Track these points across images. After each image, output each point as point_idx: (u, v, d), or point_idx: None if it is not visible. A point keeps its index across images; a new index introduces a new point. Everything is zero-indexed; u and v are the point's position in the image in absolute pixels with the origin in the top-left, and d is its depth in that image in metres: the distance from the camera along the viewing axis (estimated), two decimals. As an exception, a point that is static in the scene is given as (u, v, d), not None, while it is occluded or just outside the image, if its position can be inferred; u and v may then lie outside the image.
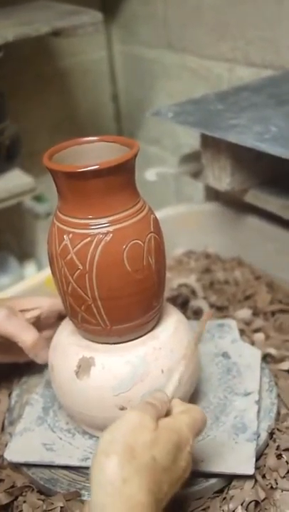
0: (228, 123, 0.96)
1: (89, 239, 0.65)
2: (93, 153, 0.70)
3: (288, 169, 0.95)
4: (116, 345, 0.72)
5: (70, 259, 0.66)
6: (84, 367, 0.71)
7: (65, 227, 0.66)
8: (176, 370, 0.67)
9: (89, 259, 0.65)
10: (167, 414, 0.61)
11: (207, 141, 1.02)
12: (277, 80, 1.13)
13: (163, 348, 0.72)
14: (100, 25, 1.28)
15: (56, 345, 0.75)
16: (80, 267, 0.66)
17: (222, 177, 1.02)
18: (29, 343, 0.78)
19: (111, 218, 0.66)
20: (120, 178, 0.65)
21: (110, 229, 0.65)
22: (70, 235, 0.65)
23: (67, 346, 0.74)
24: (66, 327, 0.77)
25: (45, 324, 0.84)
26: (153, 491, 0.52)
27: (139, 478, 0.52)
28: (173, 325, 0.75)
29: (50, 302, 0.84)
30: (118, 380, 0.69)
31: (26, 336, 0.78)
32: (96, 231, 0.65)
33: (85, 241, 0.65)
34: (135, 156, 0.66)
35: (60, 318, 0.83)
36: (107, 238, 0.65)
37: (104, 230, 0.65)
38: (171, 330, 0.74)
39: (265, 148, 0.86)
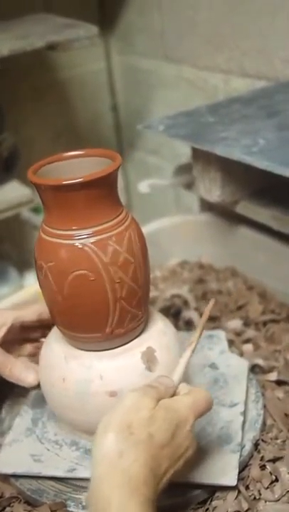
0: (217, 136, 0.97)
1: (129, 231, 0.70)
2: (78, 166, 0.71)
3: (277, 180, 0.96)
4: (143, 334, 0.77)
5: (123, 260, 0.68)
6: (150, 358, 0.73)
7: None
8: (183, 355, 0.69)
9: (134, 250, 0.70)
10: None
11: (198, 154, 1.03)
12: (270, 91, 1.14)
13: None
14: (95, 38, 1.29)
15: (108, 372, 0.73)
16: (133, 260, 0.69)
17: (212, 189, 1.04)
18: (7, 373, 0.79)
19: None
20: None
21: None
22: (114, 238, 0.68)
23: (121, 359, 0.74)
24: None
25: (10, 340, 0.81)
26: (150, 465, 0.55)
27: (135, 452, 0.55)
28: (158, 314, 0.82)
29: (13, 316, 0.80)
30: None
31: (4, 369, 0.78)
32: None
33: (127, 235, 0.69)
34: (117, 169, 0.68)
35: (24, 330, 0.83)
36: (133, 223, 0.72)
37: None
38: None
39: (251, 161, 0.87)
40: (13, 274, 1.51)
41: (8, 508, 0.73)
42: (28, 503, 0.73)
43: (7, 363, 0.79)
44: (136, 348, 0.74)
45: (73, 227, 0.67)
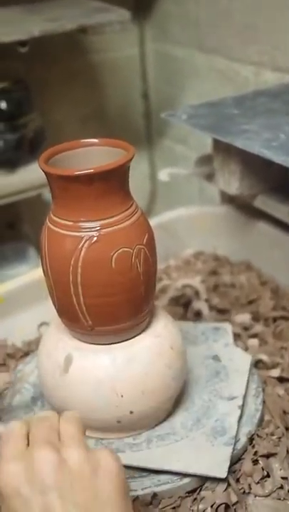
0: (239, 128, 0.96)
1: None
2: (90, 156, 0.71)
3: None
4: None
5: None
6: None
7: (56, 229, 0.68)
8: None
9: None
10: None
11: (218, 145, 1.03)
12: (298, 86, 1.13)
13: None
14: (128, 23, 1.29)
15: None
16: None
17: (231, 181, 1.03)
18: None
19: (102, 222, 0.67)
20: (113, 182, 0.66)
21: (102, 232, 0.66)
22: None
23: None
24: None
25: None
26: None
27: None
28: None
29: None
30: None
31: None
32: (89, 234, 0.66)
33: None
34: (129, 161, 0.67)
35: None
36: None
37: (95, 233, 0.66)
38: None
39: (269, 156, 0.86)
40: (32, 254, 1.53)
41: None
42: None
43: None
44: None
45: (81, 219, 0.66)
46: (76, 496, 0.48)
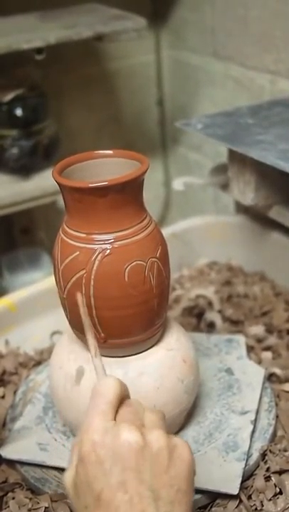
0: (254, 138, 0.96)
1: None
2: (105, 167, 0.71)
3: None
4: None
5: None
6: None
7: (70, 241, 0.68)
8: (95, 363, 0.60)
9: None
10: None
11: (234, 155, 1.02)
12: (314, 96, 1.12)
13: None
14: (144, 31, 1.29)
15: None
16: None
17: (246, 192, 1.02)
18: None
19: (116, 234, 0.66)
20: (128, 194, 0.66)
21: (115, 245, 0.66)
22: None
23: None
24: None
25: None
26: None
27: None
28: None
29: None
30: None
31: None
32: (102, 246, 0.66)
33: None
34: (144, 173, 0.66)
35: None
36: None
37: (109, 246, 0.66)
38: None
39: (284, 167, 0.86)
40: (46, 260, 1.53)
41: (10, 494, 0.74)
42: (30, 490, 0.74)
43: None
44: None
45: (94, 231, 0.66)
46: (152, 481, 0.50)
